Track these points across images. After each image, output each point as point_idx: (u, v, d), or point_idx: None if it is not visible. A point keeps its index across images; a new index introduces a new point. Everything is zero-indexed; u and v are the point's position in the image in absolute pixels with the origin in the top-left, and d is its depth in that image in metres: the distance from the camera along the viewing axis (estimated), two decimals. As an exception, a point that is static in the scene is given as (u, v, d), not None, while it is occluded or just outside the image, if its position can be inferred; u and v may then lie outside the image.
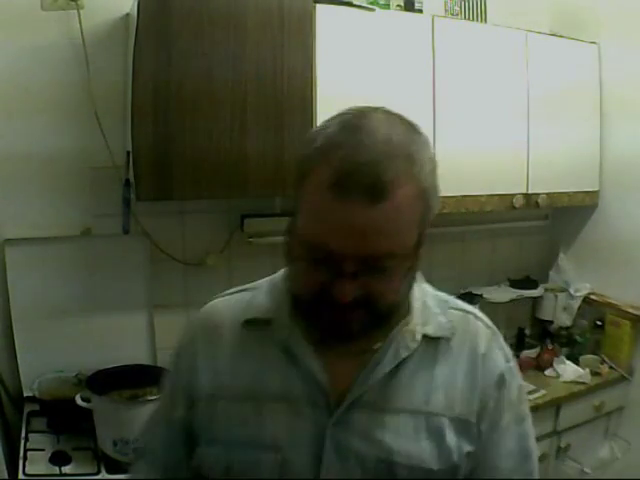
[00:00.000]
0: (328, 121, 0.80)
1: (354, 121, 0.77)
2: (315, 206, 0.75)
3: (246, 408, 0.85)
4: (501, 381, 0.89)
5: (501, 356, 0.91)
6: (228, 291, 0.98)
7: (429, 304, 0.91)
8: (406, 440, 0.83)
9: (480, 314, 0.95)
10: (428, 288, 0.94)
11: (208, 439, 0.88)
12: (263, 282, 0.96)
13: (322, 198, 0.73)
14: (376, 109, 0.80)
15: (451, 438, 0.85)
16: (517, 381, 0.93)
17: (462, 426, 0.86)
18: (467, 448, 0.86)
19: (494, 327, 0.95)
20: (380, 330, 0.83)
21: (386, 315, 0.81)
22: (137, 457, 1.00)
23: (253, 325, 0.89)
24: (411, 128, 0.80)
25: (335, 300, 0.75)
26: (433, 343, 0.88)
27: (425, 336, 0.87)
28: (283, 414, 0.84)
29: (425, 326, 0.87)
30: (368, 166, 0.72)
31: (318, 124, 0.82)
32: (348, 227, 0.72)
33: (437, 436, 0.84)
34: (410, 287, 0.85)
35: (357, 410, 0.84)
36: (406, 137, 0.78)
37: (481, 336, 0.91)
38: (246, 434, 0.85)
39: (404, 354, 0.85)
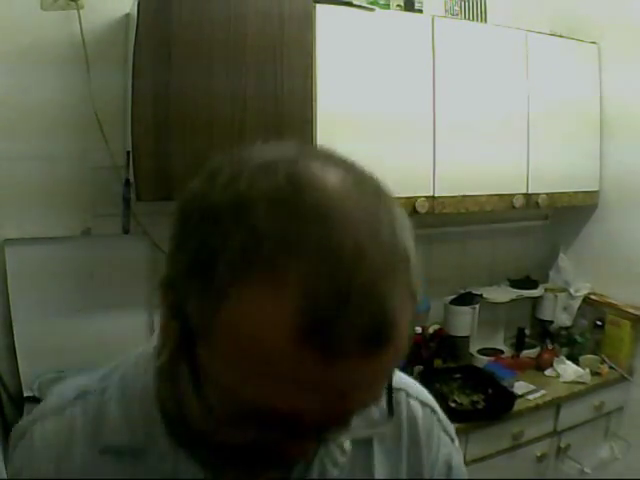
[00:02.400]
0: (234, 178, 0.48)
1: (299, 194, 0.46)
2: (271, 363, 0.45)
3: None
4: (450, 467, 0.74)
5: (445, 438, 0.75)
6: (55, 403, 0.66)
7: None
8: None
9: (414, 388, 0.74)
10: None
11: None
12: (109, 383, 0.65)
13: (288, 354, 0.44)
14: (310, 156, 0.50)
15: None
16: (460, 461, 0.77)
17: None
18: None
19: (431, 400, 0.76)
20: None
21: (333, 438, 0.61)
22: None
23: (114, 454, 0.61)
24: (380, 191, 0.51)
25: (280, 457, 0.52)
26: (366, 446, 0.67)
27: (353, 441, 0.65)
28: None
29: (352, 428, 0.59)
30: (365, 296, 0.44)
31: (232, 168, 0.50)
32: (332, 389, 0.46)
33: None
34: None
35: None
36: (390, 217, 0.49)
37: (419, 419, 0.72)
38: None
39: (332, 474, 0.63)
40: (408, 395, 0.72)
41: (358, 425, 0.57)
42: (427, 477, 0.71)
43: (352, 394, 0.48)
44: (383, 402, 0.57)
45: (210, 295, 0.46)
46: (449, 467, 0.74)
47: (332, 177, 0.47)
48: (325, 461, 0.63)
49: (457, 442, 0.77)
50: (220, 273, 0.45)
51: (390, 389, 0.55)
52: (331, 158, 0.51)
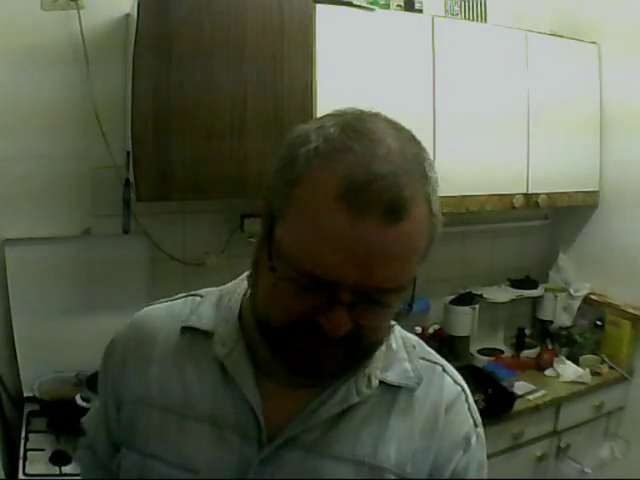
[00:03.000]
0: (320, 120, 0.69)
1: (358, 124, 0.66)
2: (316, 221, 0.62)
3: (168, 421, 0.77)
4: (465, 445, 0.79)
5: (468, 417, 0.81)
6: (177, 295, 0.90)
7: (394, 347, 0.80)
8: None
9: (450, 368, 0.84)
10: (397, 328, 0.82)
11: (128, 444, 0.80)
12: (213, 291, 0.86)
13: (326, 211, 0.61)
14: (375, 114, 0.70)
15: None
16: (482, 454, 0.81)
17: None
18: None
19: (464, 384, 0.83)
20: (354, 366, 0.74)
21: (367, 353, 0.72)
22: (82, 447, 0.93)
23: (191, 334, 0.80)
24: (419, 143, 0.70)
25: (321, 333, 0.64)
26: (392, 391, 0.77)
27: (383, 383, 0.76)
28: (207, 437, 0.75)
29: (385, 372, 0.77)
30: (386, 178, 0.61)
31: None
32: (358, 250, 0.61)
33: None
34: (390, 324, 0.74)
35: (290, 450, 0.74)
36: (418, 151, 0.68)
37: (446, 392, 0.80)
38: (164, 448, 0.76)
39: (354, 400, 0.74)
40: (444, 370, 0.82)
41: (391, 374, 0.77)
42: (436, 445, 0.77)
43: (374, 267, 0.62)
44: (418, 368, 0.78)
45: (289, 181, 0.65)
46: (466, 446, 0.79)
47: (383, 122, 0.69)
48: (351, 388, 0.74)
49: (482, 431, 0.82)
50: (298, 165, 0.65)
51: (413, 290, 0.69)
52: (386, 117, 0.71)
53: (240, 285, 0.83)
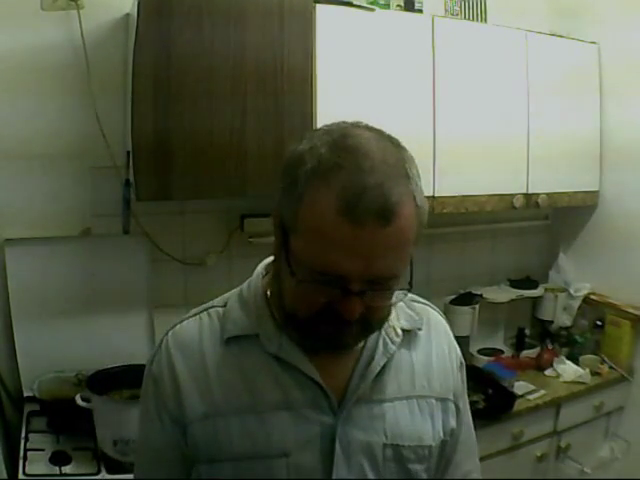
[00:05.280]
0: (311, 139, 0.80)
1: (344, 141, 0.78)
2: (323, 232, 0.75)
3: (248, 422, 0.86)
4: (461, 364, 1.04)
5: (456, 343, 1.05)
6: (193, 311, 0.96)
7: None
8: (405, 423, 0.92)
9: (432, 305, 1.06)
10: None
11: (209, 457, 0.87)
12: (228, 299, 0.95)
13: (331, 224, 0.74)
14: (357, 125, 0.82)
15: (438, 416, 0.96)
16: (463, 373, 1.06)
17: (444, 404, 0.97)
18: (451, 424, 0.97)
19: (445, 317, 1.08)
20: (372, 334, 0.90)
21: (379, 325, 0.88)
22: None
23: (235, 342, 0.90)
24: (397, 144, 0.82)
25: (340, 317, 0.79)
26: (407, 334, 0.96)
27: (402, 329, 0.95)
28: (287, 421, 0.86)
29: (400, 321, 0.95)
30: (374, 189, 0.74)
31: (304, 140, 0.81)
32: (360, 250, 0.75)
33: (429, 415, 0.94)
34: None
35: (356, 405, 0.89)
36: (398, 155, 0.80)
37: (441, 325, 1.04)
38: (252, 446, 0.86)
39: (393, 349, 0.92)
40: (432, 309, 1.04)
41: (404, 321, 0.95)
42: (449, 367, 1.00)
43: (375, 260, 0.75)
44: (417, 312, 0.98)
45: (294, 200, 0.78)
46: (461, 364, 1.04)
47: (365, 133, 0.81)
48: (386, 340, 0.92)
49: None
50: (300, 185, 0.77)
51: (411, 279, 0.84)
52: (367, 126, 0.83)
53: (257, 285, 0.94)
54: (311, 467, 0.86)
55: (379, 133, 0.82)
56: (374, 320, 0.84)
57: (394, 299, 0.85)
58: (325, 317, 0.80)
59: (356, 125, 0.82)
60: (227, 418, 0.87)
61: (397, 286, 0.82)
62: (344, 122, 0.83)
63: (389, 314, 0.88)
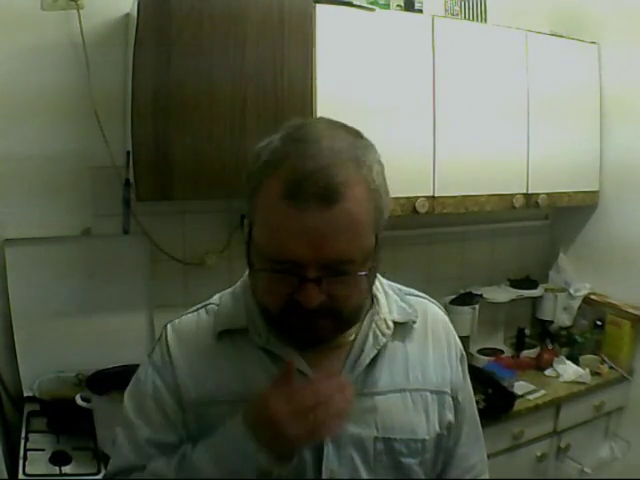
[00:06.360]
0: (271, 137, 0.84)
1: (296, 133, 0.82)
2: (271, 217, 0.79)
3: (239, 409, 0.86)
4: (461, 356, 1.03)
5: (456, 335, 1.05)
6: (192, 308, 1.01)
7: (389, 293, 0.99)
8: (397, 417, 0.92)
9: (431, 299, 1.07)
10: (382, 279, 1.00)
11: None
12: (222, 296, 1.00)
13: (277, 209, 0.77)
14: (318, 120, 0.86)
15: (434, 409, 0.95)
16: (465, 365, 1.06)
17: (441, 397, 0.96)
18: (448, 417, 0.97)
19: (444, 309, 1.08)
20: (350, 327, 0.90)
21: (352, 316, 0.87)
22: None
23: (227, 336, 0.93)
24: (353, 133, 0.84)
25: (302, 307, 0.79)
26: (401, 327, 0.96)
27: (393, 322, 0.95)
28: None
29: (392, 313, 0.96)
30: (317, 172, 0.76)
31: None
32: (306, 233, 0.76)
33: (423, 409, 0.94)
34: (371, 287, 0.91)
35: None
36: (349, 142, 0.81)
37: (439, 317, 1.04)
38: None
39: (383, 341, 0.93)
40: (430, 302, 1.05)
41: (396, 314, 0.95)
42: (447, 359, 0.99)
43: (324, 242, 0.76)
44: (412, 304, 0.99)
45: (252, 194, 0.83)
46: (462, 356, 1.03)
47: (320, 124, 0.85)
48: (376, 332, 0.93)
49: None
50: (254, 178, 0.83)
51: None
52: (328, 119, 0.87)
53: (247, 281, 0.95)
54: (300, 458, 0.86)
55: (338, 124, 0.85)
56: (345, 310, 0.83)
57: (365, 287, 0.84)
58: (292, 310, 0.81)
59: (317, 119, 0.87)
60: (219, 407, 0.89)
61: (357, 272, 0.81)
62: (309, 118, 0.87)
63: (362, 304, 0.88)
